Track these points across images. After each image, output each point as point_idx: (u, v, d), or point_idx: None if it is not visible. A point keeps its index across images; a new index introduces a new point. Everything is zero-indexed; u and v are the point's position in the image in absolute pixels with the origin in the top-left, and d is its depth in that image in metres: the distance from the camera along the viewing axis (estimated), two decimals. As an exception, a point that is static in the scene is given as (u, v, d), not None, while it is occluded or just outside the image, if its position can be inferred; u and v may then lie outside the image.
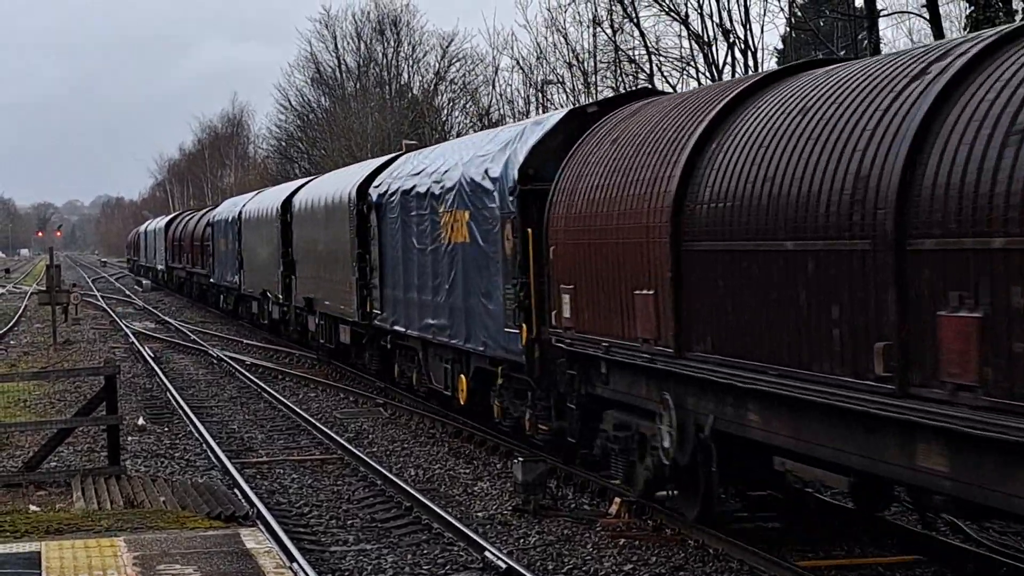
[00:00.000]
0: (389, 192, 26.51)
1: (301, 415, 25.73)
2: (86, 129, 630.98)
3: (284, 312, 40.21)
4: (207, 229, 59.67)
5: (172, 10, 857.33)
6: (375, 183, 28.27)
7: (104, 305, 66.65)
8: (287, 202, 38.93)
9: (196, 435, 23.91)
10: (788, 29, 47.82)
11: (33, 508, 16.27)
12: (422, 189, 24.01)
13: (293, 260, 37.71)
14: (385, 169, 28.76)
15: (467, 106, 70.07)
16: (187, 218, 74.48)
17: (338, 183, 32.46)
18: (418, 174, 24.77)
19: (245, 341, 43.43)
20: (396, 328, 26.03)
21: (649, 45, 46.17)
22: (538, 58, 54.63)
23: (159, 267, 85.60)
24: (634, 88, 33.36)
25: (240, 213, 48.18)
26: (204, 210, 72.91)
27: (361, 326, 29.15)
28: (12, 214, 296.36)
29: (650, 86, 38.92)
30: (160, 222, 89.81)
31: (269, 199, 43.66)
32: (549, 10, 70.97)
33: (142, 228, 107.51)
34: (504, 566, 13.60)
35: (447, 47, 74.65)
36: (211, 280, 57.96)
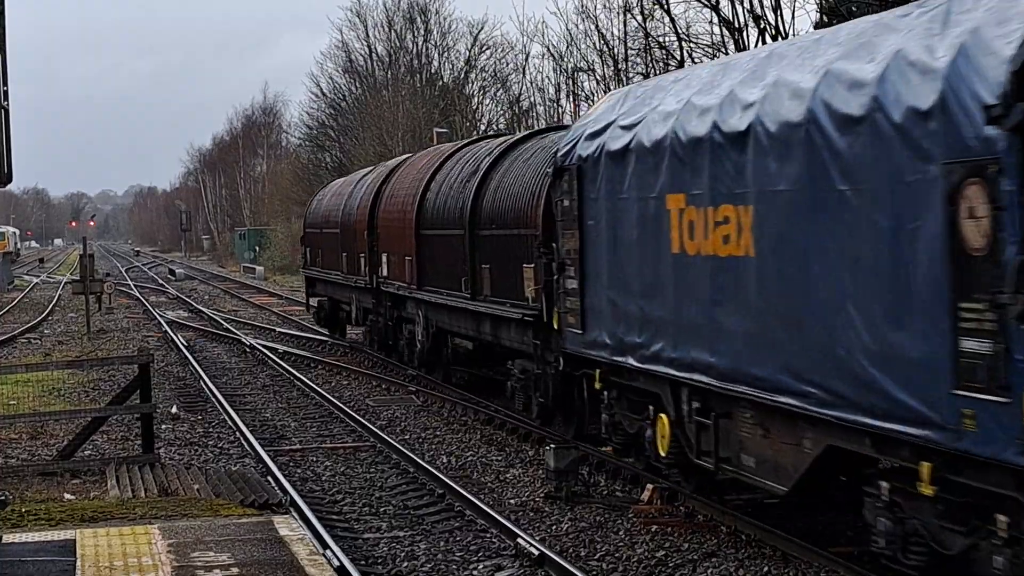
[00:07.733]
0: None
1: (334, 403, 25.80)
2: (143, 121, 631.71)
3: None
4: None
5: (251, 7, 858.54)
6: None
7: (137, 294, 66.92)
8: None
9: (229, 423, 24.00)
10: (820, 14, 47.58)
11: (68, 496, 16.38)
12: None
13: None
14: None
15: (498, 94, 70.05)
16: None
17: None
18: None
19: (277, 330, 43.54)
20: None
21: (680, 31, 46.03)
22: (568, 45, 54.54)
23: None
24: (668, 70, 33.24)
25: None
26: None
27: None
28: (46, 204, 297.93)
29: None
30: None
31: None
32: (579, -3, 70.62)
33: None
34: (537, 552, 13.62)
35: (477, 35, 74.61)
36: None
